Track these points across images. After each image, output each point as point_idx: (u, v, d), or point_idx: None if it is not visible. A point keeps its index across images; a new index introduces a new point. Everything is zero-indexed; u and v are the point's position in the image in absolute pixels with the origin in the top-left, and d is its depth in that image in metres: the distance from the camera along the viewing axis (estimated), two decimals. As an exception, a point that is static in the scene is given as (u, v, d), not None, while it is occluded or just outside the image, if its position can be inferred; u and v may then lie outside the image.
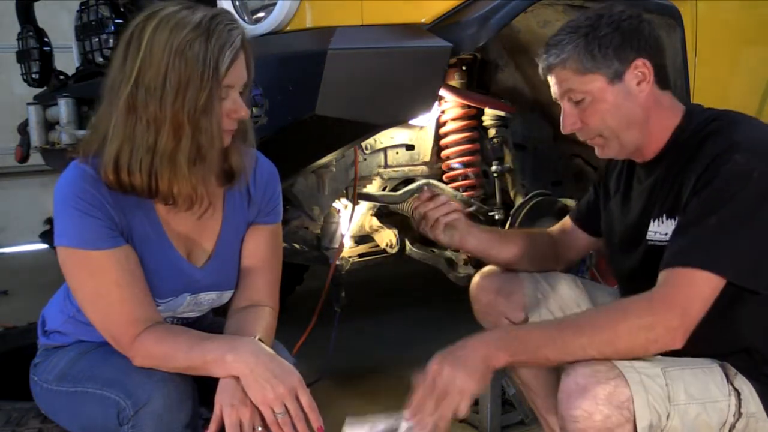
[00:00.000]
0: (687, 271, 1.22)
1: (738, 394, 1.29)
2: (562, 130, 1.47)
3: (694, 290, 1.21)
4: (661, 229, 1.37)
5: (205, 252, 1.37)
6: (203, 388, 1.27)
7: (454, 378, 1.24)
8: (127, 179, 1.22)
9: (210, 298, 1.40)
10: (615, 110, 1.37)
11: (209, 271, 1.37)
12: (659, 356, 1.26)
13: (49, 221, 3.36)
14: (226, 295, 1.43)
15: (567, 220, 1.72)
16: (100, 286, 1.22)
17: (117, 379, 1.23)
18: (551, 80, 1.43)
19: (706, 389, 1.27)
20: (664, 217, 1.37)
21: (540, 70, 1.46)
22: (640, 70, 1.36)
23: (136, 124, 1.19)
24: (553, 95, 1.46)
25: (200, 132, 1.20)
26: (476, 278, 1.69)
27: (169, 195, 1.24)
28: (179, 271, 1.33)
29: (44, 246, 5.04)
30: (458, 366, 1.25)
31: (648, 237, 1.40)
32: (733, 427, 1.29)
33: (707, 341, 1.27)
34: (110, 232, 1.23)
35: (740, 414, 1.28)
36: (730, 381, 1.30)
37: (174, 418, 1.19)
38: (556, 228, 1.73)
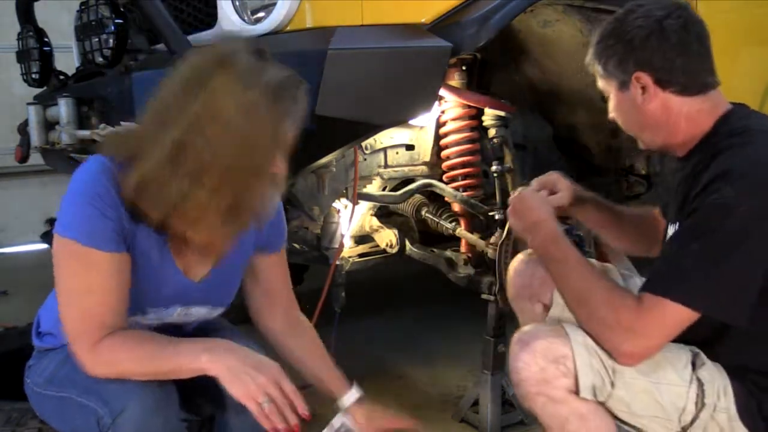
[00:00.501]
0: (658, 300, 1.24)
1: (700, 384, 1.31)
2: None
3: (659, 320, 1.25)
4: (669, 232, 1.41)
5: (205, 268, 1.37)
6: (182, 390, 1.27)
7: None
8: (143, 209, 1.21)
9: (200, 312, 1.40)
10: (626, 114, 1.44)
11: (205, 287, 1.37)
12: None
13: (51, 222, 3.35)
14: (217, 311, 1.44)
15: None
16: (87, 284, 1.21)
17: (94, 387, 1.22)
18: None
19: (660, 369, 1.30)
20: (673, 222, 1.42)
21: None
22: (641, 82, 1.38)
23: (178, 166, 1.16)
24: None
25: (246, 191, 1.20)
26: (513, 263, 1.71)
27: (181, 238, 1.24)
28: (175, 284, 1.33)
29: (44, 246, 5.05)
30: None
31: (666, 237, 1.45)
32: (696, 417, 1.31)
33: (708, 345, 1.33)
34: (116, 237, 1.22)
35: (703, 404, 1.30)
36: (695, 370, 1.32)
37: (152, 423, 1.18)
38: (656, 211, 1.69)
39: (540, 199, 1.55)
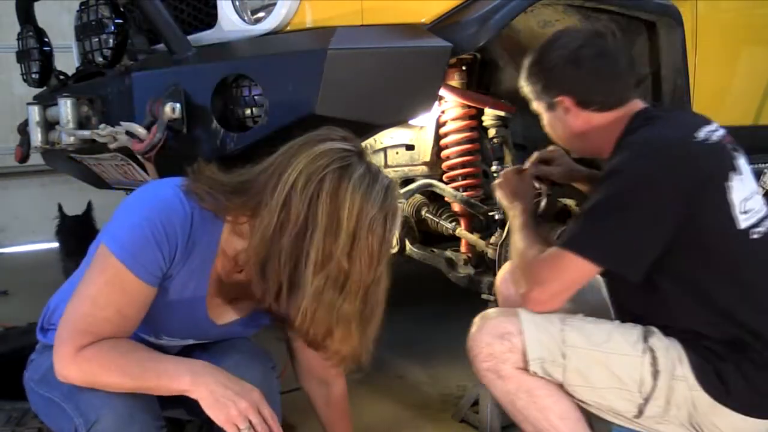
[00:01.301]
0: (559, 252, 1.41)
1: (652, 352, 1.38)
2: None
3: (560, 269, 1.40)
4: None
5: (234, 316, 1.37)
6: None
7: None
8: (293, 315, 1.20)
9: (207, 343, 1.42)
10: (557, 130, 1.65)
11: (225, 330, 1.37)
12: (579, 314, 1.47)
13: (61, 215, 3.32)
14: None
15: None
16: (106, 300, 1.18)
17: (72, 394, 1.21)
18: None
19: (611, 341, 1.40)
20: None
21: None
22: (564, 105, 1.58)
23: (298, 264, 1.17)
24: None
25: (366, 303, 1.22)
26: (500, 273, 1.82)
27: (328, 349, 1.25)
28: (198, 324, 1.33)
29: (44, 246, 5.05)
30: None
31: None
32: (654, 386, 1.37)
33: (651, 315, 1.44)
34: (159, 272, 1.20)
35: (657, 371, 1.37)
36: (646, 340, 1.40)
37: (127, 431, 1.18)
38: None
39: (519, 182, 1.78)
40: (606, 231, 1.38)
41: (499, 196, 1.81)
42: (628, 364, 1.39)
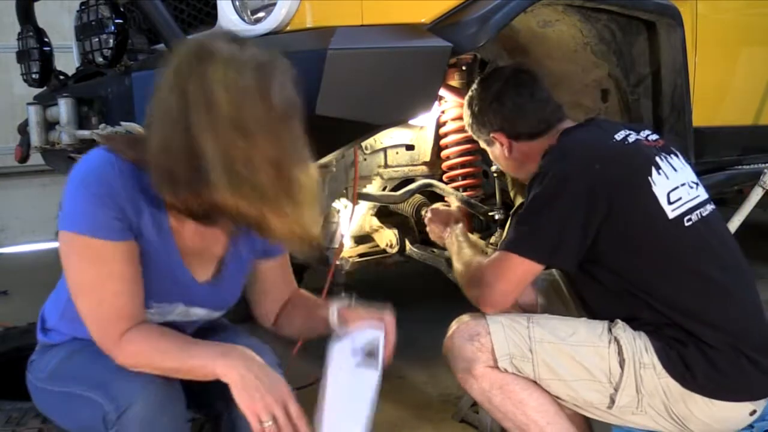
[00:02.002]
0: (501, 254, 1.53)
1: (616, 341, 1.45)
2: None
3: (503, 270, 1.51)
4: None
5: (206, 272, 1.37)
6: (187, 389, 1.28)
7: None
8: (198, 198, 1.18)
9: (200, 314, 1.40)
10: (500, 161, 1.85)
11: (207, 290, 1.37)
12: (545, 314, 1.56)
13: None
14: (216, 314, 1.44)
15: None
16: (99, 277, 1.20)
17: (101, 382, 1.22)
18: None
19: (576, 334, 1.47)
20: None
21: None
22: (498, 140, 1.78)
23: (195, 157, 1.13)
24: None
25: (282, 174, 1.16)
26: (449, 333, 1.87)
27: (271, 230, 1.20)
28: (179, 280, 1.32)
29: (44, 246, 5.05)
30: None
31: None
32: (621, 374, 1.43)
33: (605, 311, 1.52)
34: (121, 225, 1.21)
35: (623, 359, 1.43)
36: (610, 331, 1.47)
37: (158, 421, 1.18)
38: None
39: (446, 213, 2.12)
40: (536, 229, 1.50)
41: (432, 230, 2.09)
42: (595, 354, 1.45)
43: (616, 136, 1.56)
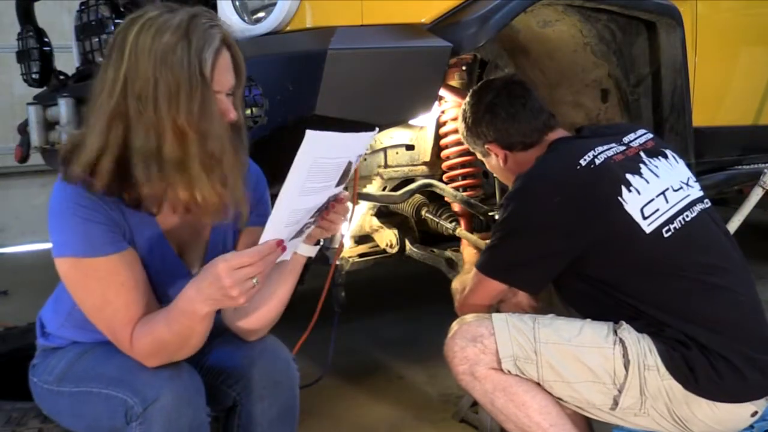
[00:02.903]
0: (476, 272, 1.63)
1: (621, 342, 1.44)
2: None
3: (476, 286, 1.64)
4: None
5: (198, 258, 1.38)
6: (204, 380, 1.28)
7: None
8: (135, 190, 1.20)
9: None
10: (497, 172, 1.89)
11: None
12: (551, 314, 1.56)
13: None
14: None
15: None
16: (108, 292, 1.21)
17: (123, 378, 1.22)
18: None
19: (581, 335, 1.47)
20: None
21: None
22: (493, 151, 1.80)
23: (131, 133, 1.17)
24: None
25: (206, 138, 1.18)
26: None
27: (193, 202, 1.21)
28: (177, 276, 1.33)
29: (44, 246, 5.05)
30: None
31: None
32: (626, 376, 1.43)
33: (607, 314, 1.51)
34: (115, 237, 1.22)
35: (628, 360, 1.43)
36: (616, 332, 1.46)
37: (183, 414, 1.19)
38: None
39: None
40: (501, 255, 1.59)
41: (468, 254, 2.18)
42: (600, 356, 1.44)
43: (581, 161, 1.52)
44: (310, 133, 1.10)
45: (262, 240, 1.13)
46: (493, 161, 1.82)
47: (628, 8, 2.13)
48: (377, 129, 1.33)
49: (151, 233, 1.29)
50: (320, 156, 1.13)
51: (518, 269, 1.58)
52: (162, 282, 1.31)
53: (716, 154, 2.66)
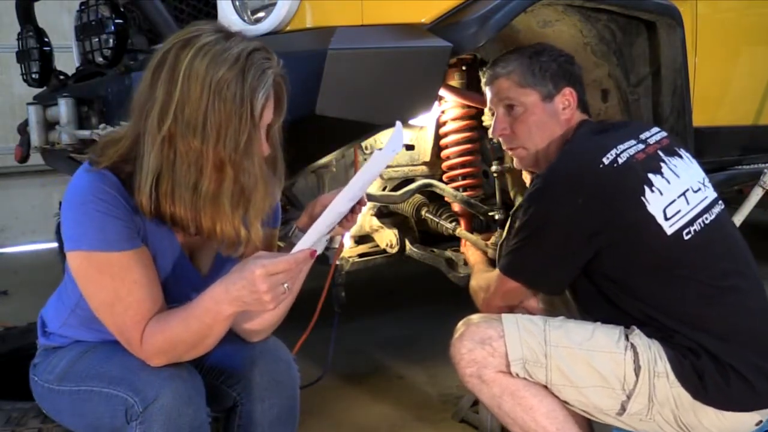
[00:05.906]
0: (497, 273, 1.62)
1: (633, 348, 1.43)
2: (491, 133, 1.79)
3: (498, 287, 1.62)
4: None
5: (208, 262, 1.38)
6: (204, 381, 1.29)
7: None
8: (168, 209, 1.21)
9: None
10: (541, 125, 1.68)
11: (211, 281, 1.37)
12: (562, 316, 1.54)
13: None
14: None
15: None
16: (120, 288, 1.20)
17: (124, 377, 1.22)
18: (491, 89, 1.75)
19: (593, 339, 1.45)
20: None
21: (484, 80, 1.79)
22: (567, 98, 1.67)
23: (175, 158, 1.18)
24: (488, 103, 1.79)
25: (243, 173, 1.19)
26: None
27: (212, 233, 1.23)
28: (187, 278, 1.33)
29: (44, 246, 5.05)
30: None
31: None
32: (636, 382, 1.41)
33: (617, 318, 1.49)
34: (131, 233, 1.22)
35: (639, 366, 1.41)
36: (627, 337, 1.45)
37: (183, 413, 1.19)
38: None
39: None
40: (524, 258, 1.55)
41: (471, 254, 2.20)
42: (611, 361, 1.42)
43: (604, 159, 1.47)
44: (378, 153, 1.19)
45: (300, 245, 1.15)
46: (551, 108, 1.67)
47: (628, 8, 2.13)
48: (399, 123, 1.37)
49: (164, 235, 1.29)
50: (379, 171, 1.22)
51: (542, 271, 1.55)
52: (171, 283, 1.31)
53: (716, 154, 2.66)
